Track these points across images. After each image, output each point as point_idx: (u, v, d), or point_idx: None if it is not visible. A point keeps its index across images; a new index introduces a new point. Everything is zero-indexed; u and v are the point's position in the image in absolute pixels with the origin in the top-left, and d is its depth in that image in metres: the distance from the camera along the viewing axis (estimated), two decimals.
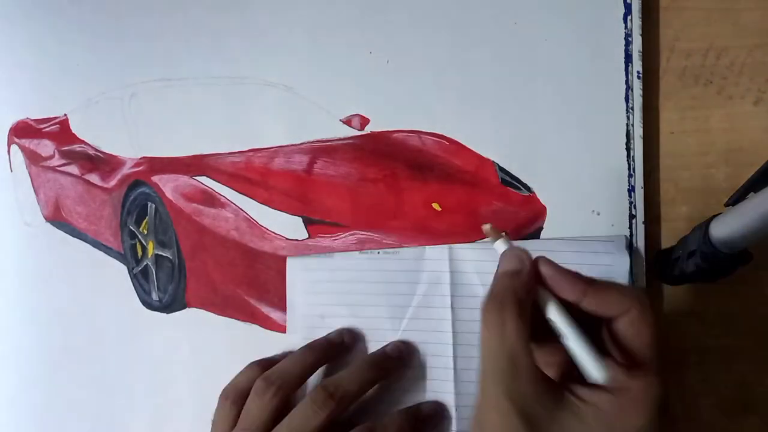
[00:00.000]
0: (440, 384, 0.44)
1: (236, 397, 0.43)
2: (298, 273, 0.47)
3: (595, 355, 0.31)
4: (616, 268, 0.41)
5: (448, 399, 0.43)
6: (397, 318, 0.45)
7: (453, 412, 0.43)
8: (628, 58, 0.41)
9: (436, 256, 0.44)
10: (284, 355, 0.45)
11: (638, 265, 0.41)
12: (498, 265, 0.35)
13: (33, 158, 0.56)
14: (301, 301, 0.47)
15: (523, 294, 0.33)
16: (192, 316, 0.50)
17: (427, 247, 0.44)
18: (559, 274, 0.33)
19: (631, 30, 0.41)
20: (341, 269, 0.46)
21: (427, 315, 0.44)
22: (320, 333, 0.46)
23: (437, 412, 0.44)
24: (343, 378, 0.41)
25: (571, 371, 0.33)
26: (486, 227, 0.37)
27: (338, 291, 0.46)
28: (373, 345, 0.45)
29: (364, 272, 0.45)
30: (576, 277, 0.33)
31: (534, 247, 0.42)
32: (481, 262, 0.43)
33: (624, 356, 0.32)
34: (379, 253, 0.45)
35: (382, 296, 0.45)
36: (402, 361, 0.44)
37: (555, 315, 0.33)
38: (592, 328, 0.33)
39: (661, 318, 0.42)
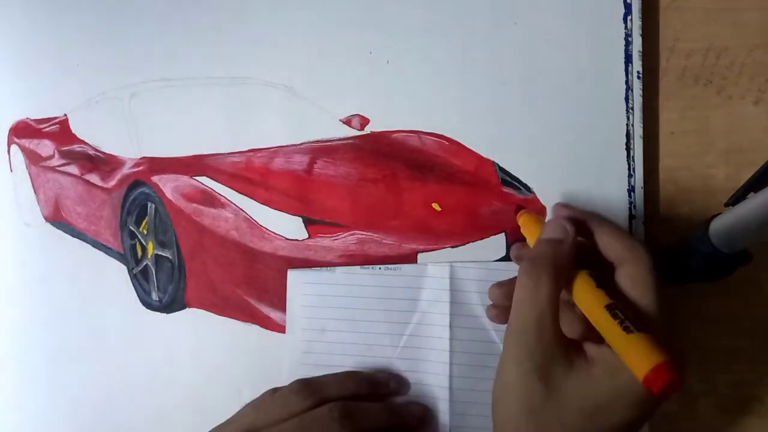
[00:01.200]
0: (435, 402, 0.44)
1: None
2: (299, 286, 0.46)
3: None
4: None
5: (443, 418, 0.43)
6: (396, 334, 0.45)
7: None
8: (628, 58, 0.41)
9: (437, 273, 0.44)
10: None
11: None
12: (542, 232, 0.38)
13: (33, 158, 0.56)
14: (302, 314, 0.46)
15: (562, 262, 0.35)
16: (192, 316, 0.50)
17: (429, 264, 0.44)
18: (575, 213, 0.38)
19: (631, 30, 0.41)
20: (342, 284, 0.46)
21: (426, 333, 0.44)
22: (320, 347, 0.46)
23: (424, 416, 0.44)
24: (366, 408, 0.42)
25: (589, 329, 0.34)
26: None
27: (339, 305, 0.46)
28: (372, 360, 0.45)
29: (365, 287, 0.45)
30: (590, 216, 0.37)
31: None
32: (481, 281, 0.43)
33: (628, 305, 0.33)
34: (380, 268, 0.45)
35: (383, 312, 0.45)
36: (424, 422, 0.44)
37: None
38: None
39: (662, 318, 0.42)
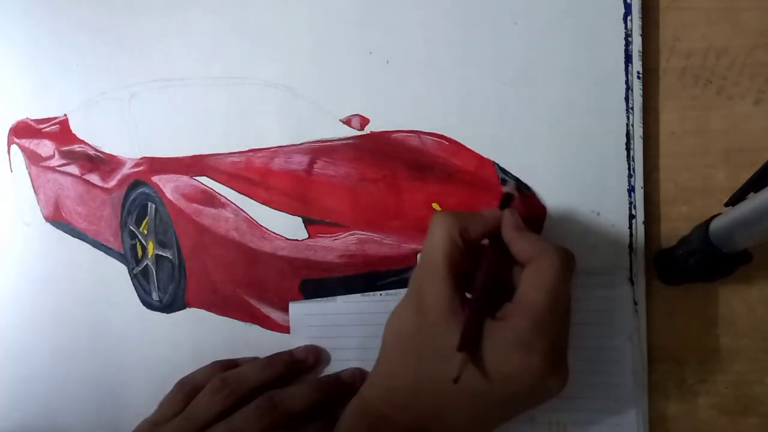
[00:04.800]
0: None
1: (190, 389, 0.44)
2: (301, 318, 0.46)
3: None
4: (617, 300, 0.41)
5: None
6: None
7: None
8: (628, 58, 0.41)
9: None
10: (248, 360, 0.47)
11: (638, 265, 0.41)
12: None
13: (33, 158, 0.56)
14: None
15: (467, 221, 0.37)
16: (192, 316, 0.50)
17: None
18: (508, 217, 0.38)
19: (631, 30, 0.41)
20: (344, 313, 0.45)
21: None
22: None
23: (358, 378, 0.44)
24: (291, 393, 0.43)
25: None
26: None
27: (342, 335, 0.45)
28: None
29: (366, 315, 0.45)
30: (516, 225, 0.38)
31: None
32: None
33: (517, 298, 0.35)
34: (381, 294, 0.45)
35: None
36: (356, 388, 0.44)
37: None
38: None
39: (662, 318, 0.42)
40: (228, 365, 0.46)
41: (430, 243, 0.37)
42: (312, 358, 0.46)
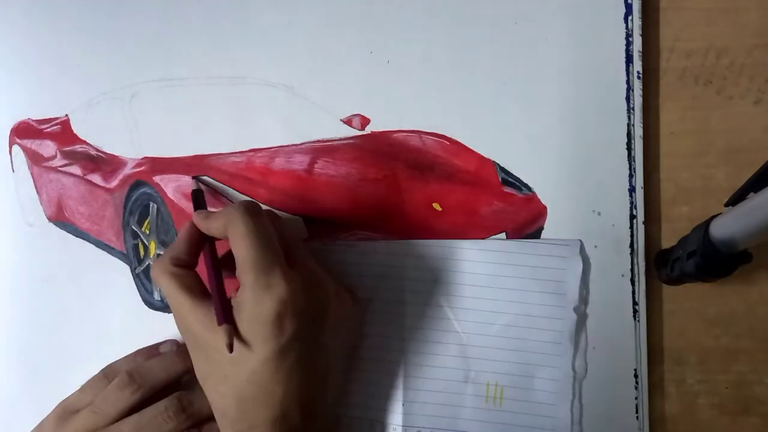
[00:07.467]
0: (389, 379, 0.44)
1: (113, 377, 0.45)
2: None
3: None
4: (569, 271, 0.42)
5: (397, 394, 0.44)
6: None
7: (400, 407, 0.43)
8: (628, 58, 0.41)
9: (391, 250, 0.44)
10: (171, 344, 0.48)
11: (638, 265, 0.41)
12: None
13: (35, 159, 0.56)
14: None
15: (172, 251, 0.40)
16: None
17: (382, 241, 0.45)
18: (195, 214, 0.41)
19: (632, 30, 0.41)
20: None
21: (381, 309, 0.44)
22: None
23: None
24: (199, 399, 0.43)
25: None
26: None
27: None
28: None
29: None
30: (202, 216, 0.41)
31: (494, 248, 0.43)
32: (438, 259, 0.44)
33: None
34: (336, 243, 0.46)
35: None
36: None
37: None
38: None
39: (662, 318, 0.42)
40: (150, 353, 0.47)
41: (166, 293, 0.39)
42: None
